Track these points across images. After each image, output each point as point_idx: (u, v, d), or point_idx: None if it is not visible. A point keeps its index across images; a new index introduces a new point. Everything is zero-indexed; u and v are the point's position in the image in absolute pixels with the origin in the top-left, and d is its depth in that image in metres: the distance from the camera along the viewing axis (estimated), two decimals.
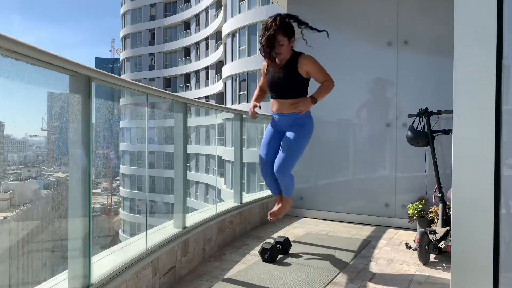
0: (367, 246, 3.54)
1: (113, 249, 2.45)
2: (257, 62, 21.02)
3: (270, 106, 3.02)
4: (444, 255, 3.13)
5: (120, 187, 32.48)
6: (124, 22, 39.24)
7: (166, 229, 2.92)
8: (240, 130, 4.13)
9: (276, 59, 2.83)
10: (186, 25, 35.39)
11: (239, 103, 23.22)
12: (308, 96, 2.86)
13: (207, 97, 31.67)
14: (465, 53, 1.81)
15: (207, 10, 32.12)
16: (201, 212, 3.62)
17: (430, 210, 3.73)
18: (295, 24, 2.86)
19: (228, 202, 4.06)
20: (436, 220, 3.58)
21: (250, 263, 3.07)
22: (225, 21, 25.80)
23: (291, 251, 3.31)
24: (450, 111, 2.15)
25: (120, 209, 31.98)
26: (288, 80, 2.85)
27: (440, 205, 3.45)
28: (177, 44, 35.83)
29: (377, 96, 4.39)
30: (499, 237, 1.73)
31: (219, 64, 29.48)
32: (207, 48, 32.43)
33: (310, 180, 4.72)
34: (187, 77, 35.37)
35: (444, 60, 3.88)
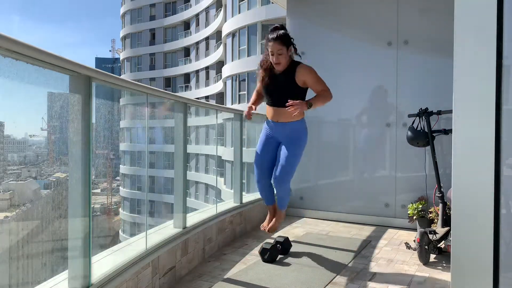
0: (367, 246, 3.54)
1: (113, 249, 2.45)
2: (257, 62, 20.94)
3: (266, 109, 3.03)
4: (444, 255, 3.13)
5: (120, 187, 32.49)
6: (124, 22, 39.24)
7: (166, 229, 2.92)
8: (240, 130, 4.13)
9: (275, 69, 2.86)
10: (186, 25, 35.38)
11: (239, 103, 23.19)
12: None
13: (207, 97, 31.66)
14: (465, 53, 1.81)
15: (207, 10, 32.11)
16: (201, 212, 3.62)
17: (430, 210, 3.73)
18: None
19: (228, 202, 4.06)
20: (436, 220, 3.58)
21: (250, 263, 3.07)
22: (225, 21, 25.79)
23: (291, 251, 3.31)
24: (450, 111, 2.14)
25: (120, 209, 31.99)
26: (285, 89, 2.85)
27: (440, 205, 3.45)
28: (177, 44, 35.82)
29: (377, 96, 4.38)
30: (499, 237, 1.73)
31: (219, 64, 29.46)
32: (207, 48, 32.43)
33: (310, 180, 4.72)
34: (187, 77, 35.36)
35: (444, 60, 3.87)
